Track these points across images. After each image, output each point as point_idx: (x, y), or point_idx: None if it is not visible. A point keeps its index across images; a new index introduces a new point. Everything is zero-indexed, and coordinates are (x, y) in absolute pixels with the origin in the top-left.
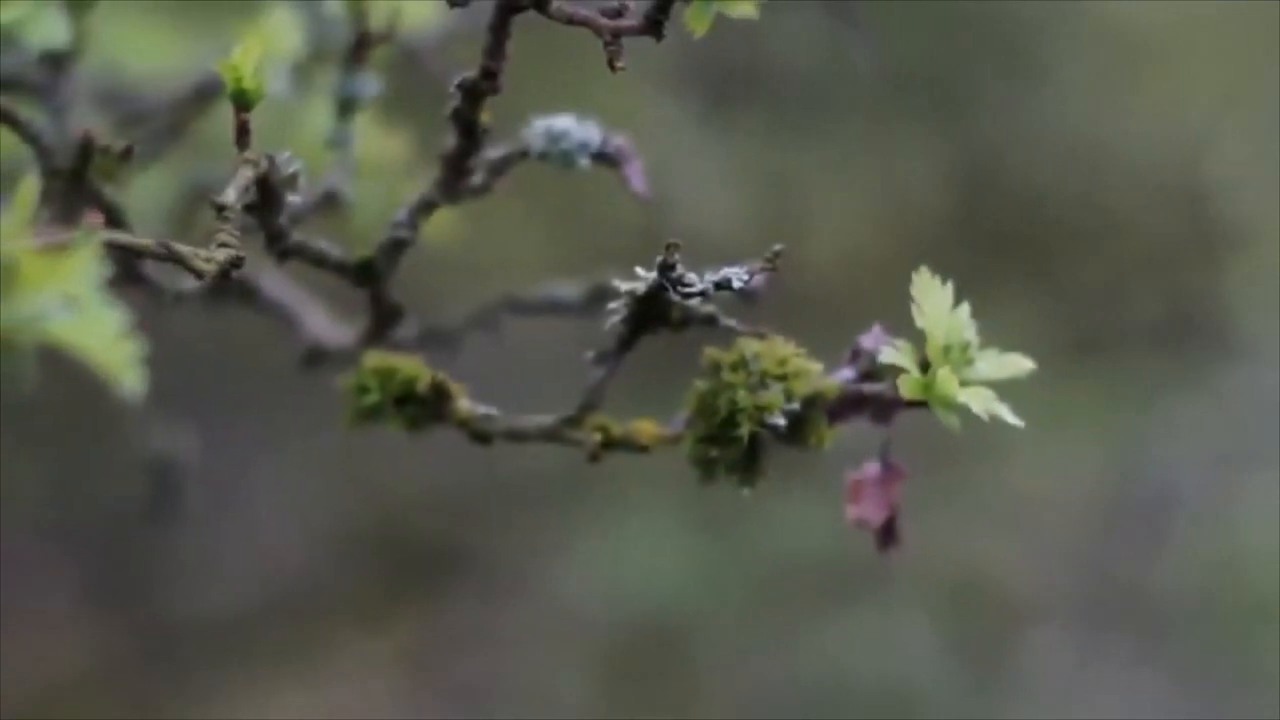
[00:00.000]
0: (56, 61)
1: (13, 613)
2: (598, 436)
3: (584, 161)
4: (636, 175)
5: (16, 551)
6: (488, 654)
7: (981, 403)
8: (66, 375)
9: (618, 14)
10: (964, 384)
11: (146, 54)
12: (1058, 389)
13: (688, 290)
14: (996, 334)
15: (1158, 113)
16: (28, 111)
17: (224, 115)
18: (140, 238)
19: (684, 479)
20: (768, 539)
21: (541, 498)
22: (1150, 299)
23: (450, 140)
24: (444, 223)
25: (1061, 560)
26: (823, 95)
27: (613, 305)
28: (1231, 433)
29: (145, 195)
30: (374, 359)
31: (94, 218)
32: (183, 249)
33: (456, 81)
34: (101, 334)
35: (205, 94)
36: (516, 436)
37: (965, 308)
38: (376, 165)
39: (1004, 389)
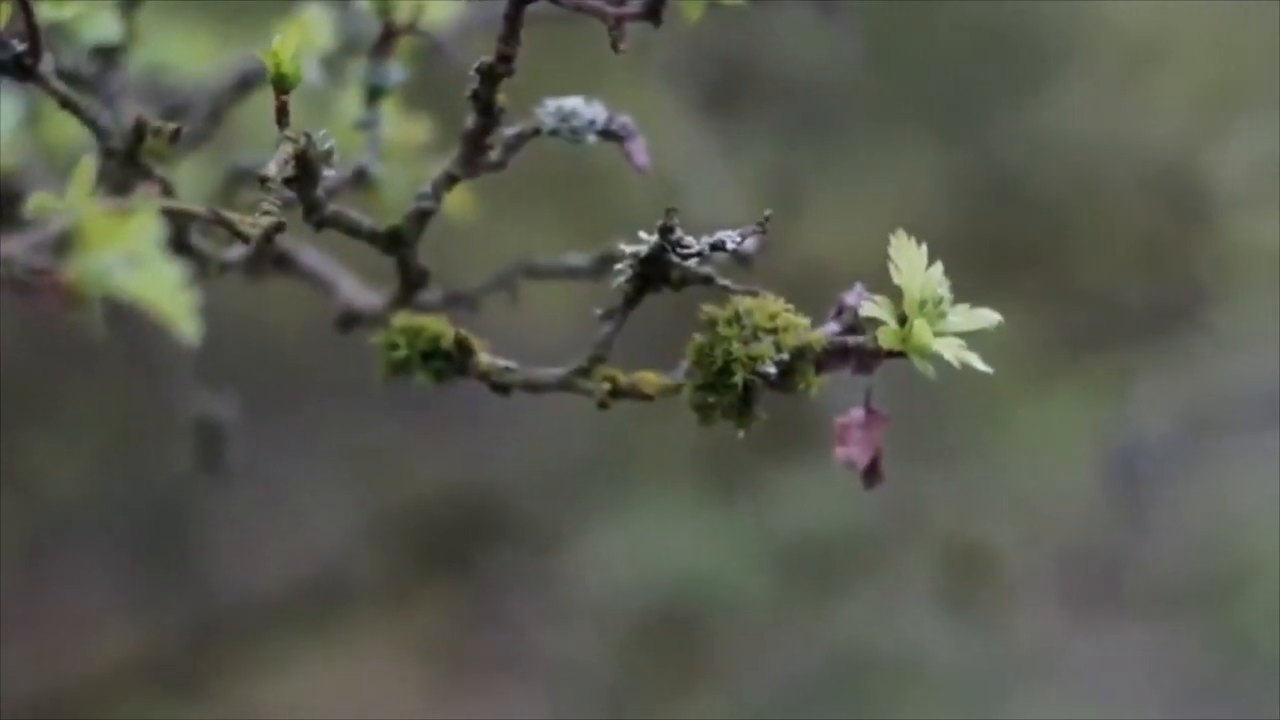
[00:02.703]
0: (108, 55)
1: (55, 595)
2: (606, 386)
3: (591, 138)
4: (639, 151)
5: (60, 535)
6: (511, 634)
7: (953, 351)
8: (105, 366)
9: (621, 1)
10: (938, 335)
11: (187, 57)
12: (1052, 377)
13: (686, 252)
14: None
15: (1155, 115)
16: (85, 101)
17: (260, 107)
18: (189, 205)
19: (699, 462)
20: (780, 518)
21: (563, 485)
22: (1139, 292)
23: (470, 120)
24: (464, 201)
25: (1056, 534)
26: (825, 94)
27: (619, 266)
28: (1212, 413)
29: (187, 179)
30: (403, 319)
31: (150, 187)
32: (231, 215)
33: (475, 65)
34: (162, 286)
35: (245, 85)
36: (533, 387)
37: (939, 266)
38: (401, 147)
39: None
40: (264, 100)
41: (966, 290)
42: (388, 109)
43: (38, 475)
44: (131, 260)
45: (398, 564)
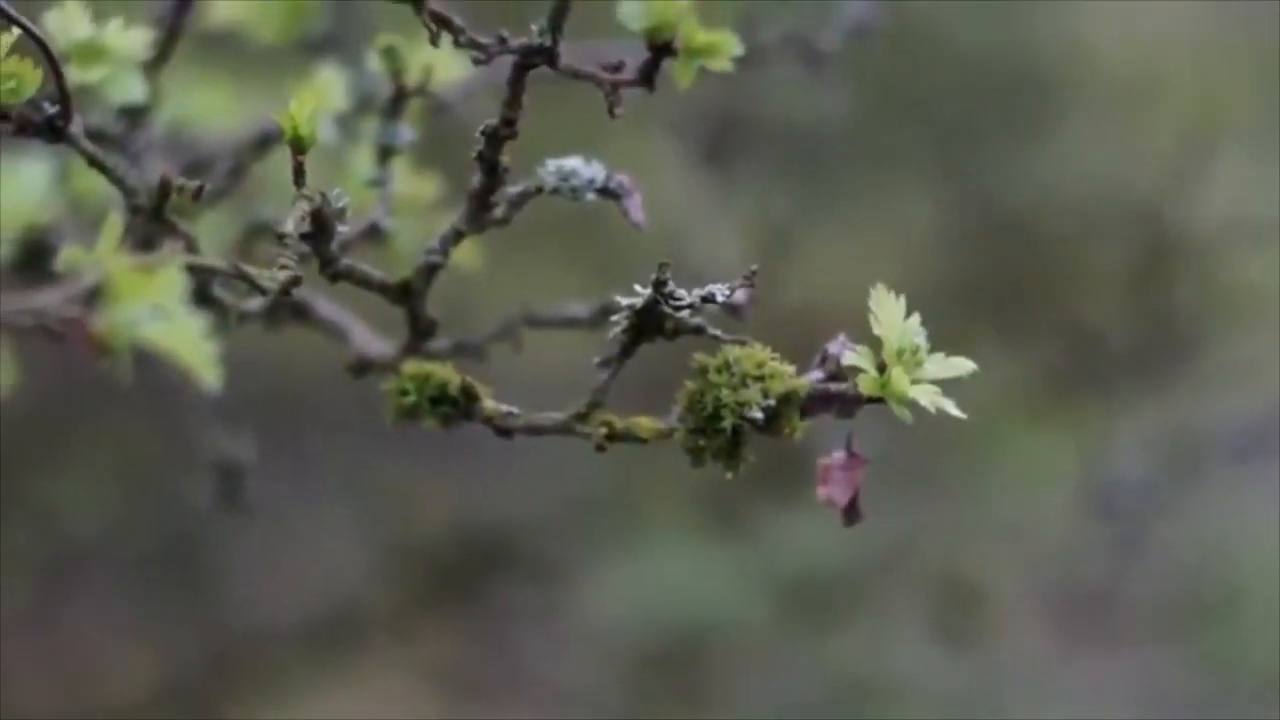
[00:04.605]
0: (133, 115)
1: (74, 626)
2: (603, 430)
3: (590, 196)
4: (635, 207)
5: (80, 568)
6: (519, 663)
7: (929, 398)
8: (125, 404)
9: (616, 69)
10: (915, 382)
11: (207, 110)
12: (1044, 411)
13: (678, 304)
14: (986, 363)
15: (1145, 155)
16: (112, 159)
17: (280, 160)
18: (211, 260)
19: (700, 497)
20: (778, 550)
21: (568, 519)
22: (1129, 327)
23: (475, 179)
24: (472, 252)
25: (1047, 564)
26: (822, 139)
27: (615, 318)
28: (1198, 446)
29: (210, 230)
30: (412, 366)
31: (175, 243)
32: (250, 269)
33: (480, 128)
34: (186, 337)
35: (265, 142)
36: (534, 430)
37: (916, 317)
38: (411, 202)
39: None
40: (284, 154)
41: (960, 327)
42: (398, 166)
43: (58, 509)
44: (157, 313)
45: (409, 596)
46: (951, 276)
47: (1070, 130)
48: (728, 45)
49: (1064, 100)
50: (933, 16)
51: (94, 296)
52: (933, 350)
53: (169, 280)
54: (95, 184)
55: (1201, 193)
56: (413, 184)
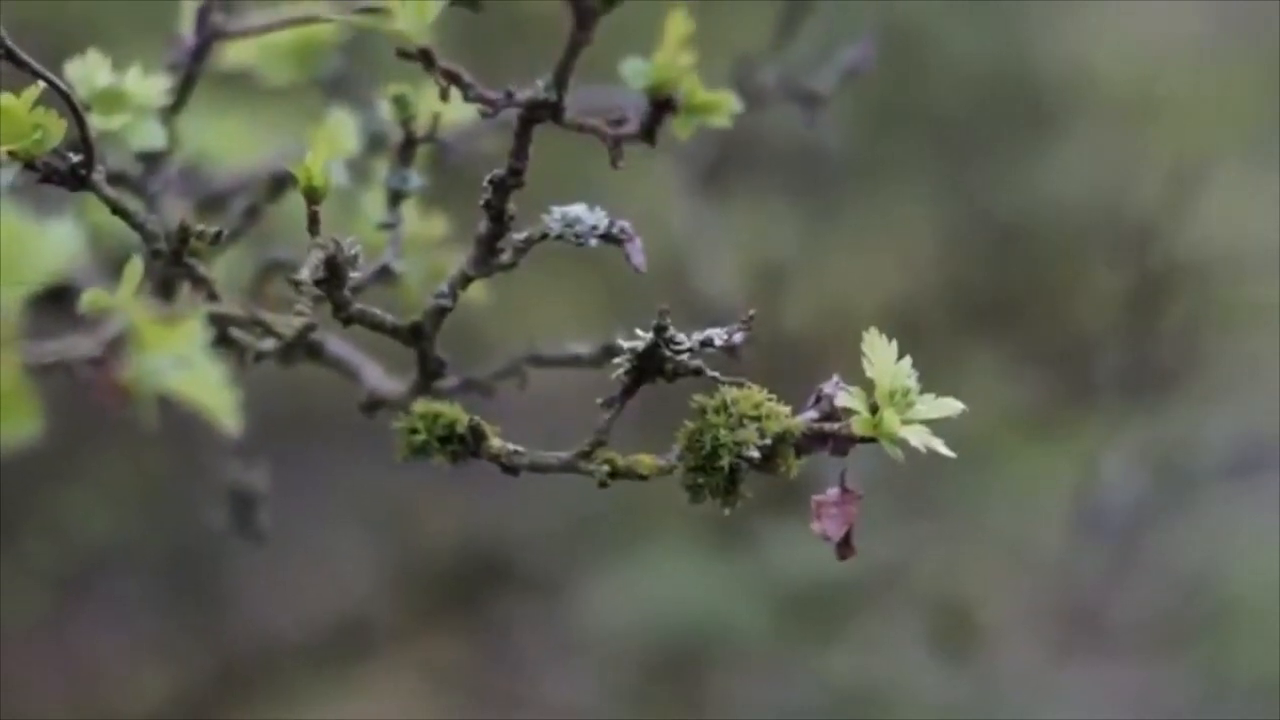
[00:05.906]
0: (151, 159)
1: (88, 639)
2: (606, 467)
3: (593, 242)
4: (636, 252)
5: (93, 582)
6: (523, 674)
7: (920, 438)
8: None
9: (619, 123)
10: (906, 423)
11: (222, 144)
12: (1043, 427)
13: (678, 348)
14: (984, 378)
15: (1146, 171)
16: (132, 204)
17: (292, 201)
18: (230, 308)
19: (700, 512)
20: (778, 563)
21: (570, 533)
22: (1121, 345)
23: (482, 225)
24: (478, 285)
25: (1044, 579)
26: (819, 160)
27: (617, 360)
28: (1190, 462)
29: (225, 268)
30: (421, 405)
31: (196, 294)
32: (268, 316)
33: (487, 178)
34: (208, 385)
35: (279, 186)
36: (539, 468)
37: (908, 360)
38: (420, 243)
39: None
40: (298, 194)
41: (958, 343)
42: (408, 208)
43: (73, 525)
44: (181, 362)
45: (415, 608)
46: (949, 292)
47: (1069, 145)
48: (727, 104)
49: (1063, 116)
50: (932, 32)
51: (117, 344)
52: (929, 369)
53: (191, 331)
54: (112, 218)
55: (1200, 209)
56: (422, 224)
